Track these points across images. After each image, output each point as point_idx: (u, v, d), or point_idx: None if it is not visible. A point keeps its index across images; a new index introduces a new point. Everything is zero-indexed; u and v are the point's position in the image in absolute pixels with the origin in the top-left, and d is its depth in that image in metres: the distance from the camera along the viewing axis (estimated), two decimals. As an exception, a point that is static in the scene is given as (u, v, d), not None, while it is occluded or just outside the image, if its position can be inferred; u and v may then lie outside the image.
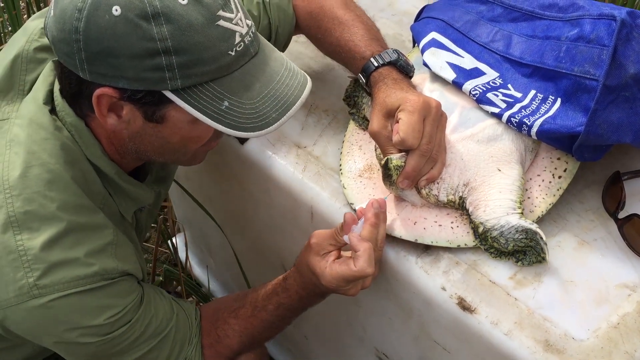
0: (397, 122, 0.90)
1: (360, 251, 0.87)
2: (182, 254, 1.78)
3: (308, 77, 0.91)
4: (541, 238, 0.85)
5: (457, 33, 1.05)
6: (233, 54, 0.82)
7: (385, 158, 0.90)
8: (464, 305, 0.86)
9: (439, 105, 0.90)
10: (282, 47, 1.14)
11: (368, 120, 1.06)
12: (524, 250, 0.88)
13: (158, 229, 1.63)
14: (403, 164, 0.90)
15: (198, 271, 1.78)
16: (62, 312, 0.85)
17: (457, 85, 0.98)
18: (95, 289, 0.86)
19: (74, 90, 0.86)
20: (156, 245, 1.66)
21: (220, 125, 0.83)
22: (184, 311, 1.02)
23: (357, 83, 1.09)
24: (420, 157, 0.89)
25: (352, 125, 1.10)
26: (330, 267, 0.90)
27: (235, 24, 0.82)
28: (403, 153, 0.91)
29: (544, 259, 0.86)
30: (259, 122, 0.85)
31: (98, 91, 0.82)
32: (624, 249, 0.89)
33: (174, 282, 1.59)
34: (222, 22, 0.81)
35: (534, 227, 0.86)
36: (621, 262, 0.88)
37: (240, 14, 0.84)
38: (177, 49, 0.78)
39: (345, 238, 0.90)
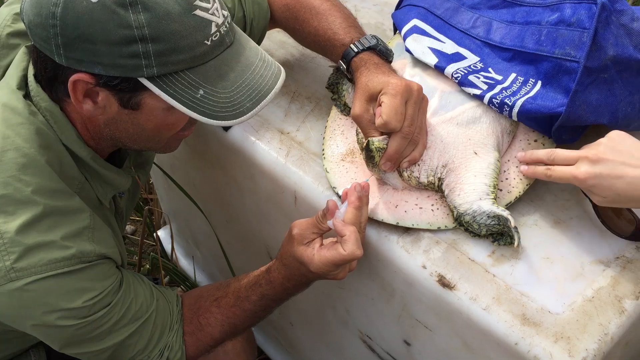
0: (380, 105, 0.91)
1: (347, 234, 0.88)
2: (167, 246, 1.79)
3: (282, 68, 0.93)
4: (511, 225, 0.87)
5: (438, 20, 1.07)
6: (209, 43, 0.84)
7: (367, 140, 0.92)
8: (443, 282, 0.88)
9: (420, 88, 0.92)
10: (257, 41, 1.16)
11: (349, 107, 1.09)
12: (501, 232, 0.90)
13: (143, 221, 1.64)
14: (385, 146, 0.92)
15: (184, 263, 1.79)
16: (39, 295, 0.85)
17: (439, 69, 1.00)
18: (72, 271, 0.87)
19: (50, 75, 0.87)
20: (142, 237, 1.67)
21: (195, 113, 0.85)
22: (164, 297, 1.03)
23: (339, 71, 1.10)
24: (403, 140, 0.91)
25: (334, 111, 1.12)
26: (318, 254, 0.91)
27: (211, 14, 0.84)
28: (385, 136, 0.93)
29: (511, 244, 0.88)
30: (233, 111, 0.86)
31: (74, 77, 0.83)
32: (599, 227, 0.91)
33: (163, 272, 1.60)
34: (198, 12, 0.82)
35: (505, 213, 0.87)
36: (596, 239, 0.90)
37: (217, 5, 0.85)
38: (154, 36, 0.80)
39: (330, 223, 0.92)
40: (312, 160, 1.07)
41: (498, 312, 0.83)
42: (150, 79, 0.83)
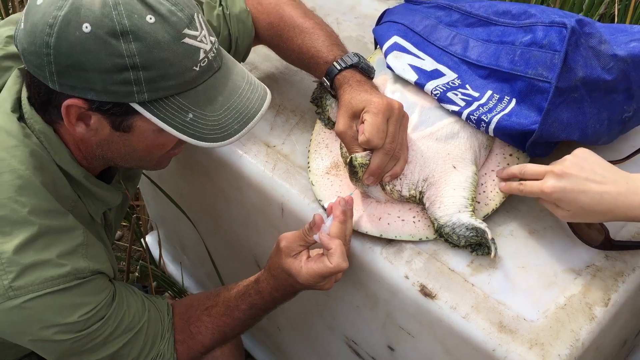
0: (362, 123, 0.96)
1: (333, 248, 0.92)
2: (155, 252, 1.82)
3: (268, 90, 0.96)
4: (488, 237, 0.91)
5: (418, 37, 1.12)
6: (197, 69, 0.87)
7: (350, 156, 0.96)
8: (425, 292, 0.93)
9: (401, 106, 0.96)
10: (242, 58, 1.19)
11: (333, 121, 1.12)
12: (479, 243, 0.95)
13: (131, 227, 1.66)
14: (367, 162, 0.96)
15: (172, 268, 1.82)
16: (37, 312, 0.89)
17: (419, 86, 1.04)
18: (68, 288, 0.90)
19: (43, 99, 0.89)
20: (130, 244, 1.69)
21: (185, 136, 0.88)
22: (155, 307, 1.06)
23: (323, 86, 1.14)
24: (384, 156, 0.95)
25: (318, 125, 1.15)
26: (305, 266, 0.95)
27: (199, 41, 0.87)
28: (368, 152, 0.97)
29: (488, 254, 0.93)
30: (221, 133, 0.90)
31: (67, 102, 0.85)
32: (571, 236, 0.96)
33: (150, 278, 1.63)
34: (187, 40, 0.85)
35: (483, 226, 0.92)
36: (568, 248, 0.95)
37: (205, 32, 0.88)
38: (145, 64, 0.83)
39: (316, 237, 0.96)
40: (298, 173, 1.10)
41: (477, 320, 0.88)
42: (142, 104, 0.86)
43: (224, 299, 1.07)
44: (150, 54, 0.82)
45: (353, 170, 0.96)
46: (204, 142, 0.89)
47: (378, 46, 1.21)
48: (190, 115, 0.88)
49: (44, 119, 0.93)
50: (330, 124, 1.14)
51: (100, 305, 0.94)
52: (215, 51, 0.90)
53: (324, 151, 1.11)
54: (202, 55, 0.87)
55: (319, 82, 1.15)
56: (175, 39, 0.84)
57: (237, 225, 1.30)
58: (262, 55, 1.32)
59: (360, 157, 0.96)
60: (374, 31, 1.21)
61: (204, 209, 1.40)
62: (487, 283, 0.92)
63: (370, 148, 0.96)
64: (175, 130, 0.88)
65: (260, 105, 0.93)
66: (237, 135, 0.91)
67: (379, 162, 0.95)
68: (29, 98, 0.93)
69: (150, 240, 1.88)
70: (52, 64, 0.83)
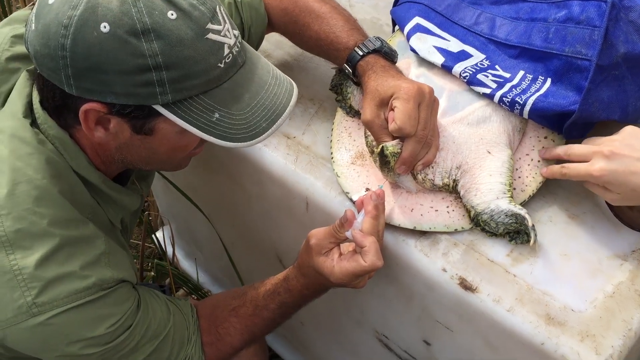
0: (392, 110, 0.91)
1: (367, 246, 0.88)
2: (168, 248, 1.78)
3: (294, 84, 0.92)
4: (529, 223, 0.87)
5: (440, 17, 1.07)
6: (222, 66, 0.83)
7: (380, 146, 0.92)
8: (465, 285, 0.89)
9: (432, 91, 0.92)
10: (255, 47, 1.14)
11: (355, 109, 1.08)
12: (517, 230, 0.91)
13: (144, 227, 1.62)
14: (399, 150, 0.91)
15: (186, 265, 1.78)
16: (62, 327, 0.85)
17: (446, 68, 0.99)
18: (93, 300, 0.86)
19: (58, 103, 0.85)
20: (143, 241, 1.65)
21: (211, 137, 0.84)
22: (180, 311, 1.03)
23: (342, 72, 1.09)
24: (417, 143, 0.91)
25: (339, 114, 1.11)
26: (338, 265, 0.91)
27: (223, 36, 0.83)
28: (398, 140, 0.93)
29: (527, 242, 0.89)
30: (249, 132, 0.86)
31: (85, 106, 0.81)
32: (612, 220, 0.92)
33: (166, 277, 1.59)
34: (211, 35, 0.81)
35: (523, 212, 0.88)
36: (610, 232, 0.91)
37: (228, 25, 0.84)
38: (168, 64, 0.78)
39: (348, 234, 0.92)
40: (322, 165, 1.06)
41: (522, 312, 0.85)
42: (165, 105, 0.81)
43: (252, 298, 1.03)
44: (173, 53, 0.78)
45: (385, 160, 0.92)
46: (231, 143, 0.85)
47: (397, 28, 1.16)
48: (216, 115, 0.83)
49: (58, 123, 0.88)
50: (352, 112, 1.09)
51: (126, 314, 0.90)
52: (239, 45, 0.86)
53: (347, 141, 1.07)
54: (226, 50, 0.83)
55: (338, 69, 1.10)
56: (199, 35, 0.79)
57: (257, 220, 1.26)
58: (273, 42, 1.27)
59: (391, 145, 0.91)
60: (392, 12, 1.16)
61: (220, 204, 1.36)
62: (529, 273, 0.88)
63: (401, 136, 0.91)
64: (200, 132, 0.83)
65: (288, 100, 0.89)
66: (266, 134, 0.87)
67: (411, 150, 0.91)
68: (41, 102, 0.88)
69: (162, 236, 1.84)
70: (69, 67, 0.78)
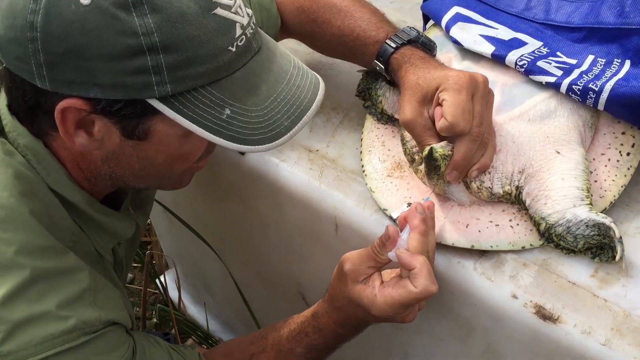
0: (440, 104, 0.75)
1: (417, 267, 0.72)
2: (173, 293, 1.60)
3: (319, 77, 0.77)
4: (615, 234, 0.71)
5: (483, 5, 0.93)
6: (234, 49, 0.68)
7: (429, 147, 0.76)
8: (543, 314, 0.71)
9: (486, 80, 0.76)
10: None
11: (388, 114, 0.93)
12: (600, 245, 0.74)
13: (145, 268, 1.45)
14: (450, 152, 0.75)
15: (193, 310, 1.60)
16: None
17: (497, 58, 0.84)
18: (75, 347, 0.68)
19: (30, 104, 0.69)
20: (144, 286, 1.48)
21: (222, 139, 0.68)
22: None
23: (370, 75, 0.95)
24: (472, 143, 0.75)
25: (369, 121, 0.96)
26: (381, 294, 0.74)
27: (234, 13, 0.68)
28: (446, 141, 0.77)
29: (614, 258, 0.72)
30: (268, 132, 0.70)
31: (62, 103, 0.66)
32: None
33: (171, 324, 1.41)
34: (219, 11, 0.66)
35: (608, 221, 0.72)
36: None
37: (239, 1, 0.70)
38: (166, 45, 0.63)
39: (391, 255, 0.75)
40: (352, 180, 0.90)
41: (622, 346, 0.67)
42: (163, 99, 0.66)
43: (274, 342, 0.85)
44: (172, 31, 0.63)
45: (434, 165, 0.76)
46: (246, 146, 0.69)
47: (429, 25, 1.01)
48: (227, 111, 0.68)
49: (30, 131, 0.72)
50: (384, 118, 0.94)
51: None
52: (253, 27, 0.71)
53: (380, 150, 0.91)
54: (238, 31, 0.68)
55: (365, 72, 0.96)
56: (205, 10, 0.65)
57: (274, 251, 1.09)
58: (288, 50, 1.12)
59: (440, 147, 0.75)
60: (423, 7, 1.02)
61: (231, 236, 1.19)
62: (623, 297, 0.71)
63: (452, 135, 0.75)
64: (208, 132, 0.68)
65: (314, 95, 0.73)
66: (289, 134, 0.70)
67: (465, 151, 0.75)
68: (9, 106, 0.73)
69: (167, 280, 1.67)
70: (40, 52, 0.63)
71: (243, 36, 0.69)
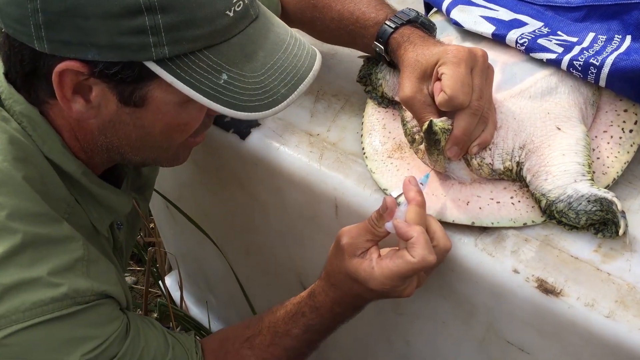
0: (439, 79, 0.75)
1: (415, 237, 0.71)
2: (175, 294, 1.59)
3: (316, 49, 0.77)
4: (618, 208, 0.69)
5: (483, -12, 0.92)
6: (231, 14, 0.68)
7: (428, 121, 0.75)
8: (545, 288, 0.70)
9: (485, 54, 0.76)
10: None
11: (388, 97, 0.93)
12: (603, 221, 0.72)
13: (147, 267, 1.44)
14: (450, 126, 0.74)
15: (196, 311, 1.58)
16: (24, 349, 0.66)
17: (498, 38, 0.84)
18: (65, 316, 0.67)
19: (27, 69, 0.70)
20: (146, 286, 1.46)
21: (218, 105, 0.69)
22: (180, 344, 0.83)
23: (371, 62, 0.95)
24: (472, 117, 0.74)
25: (370, 106, 0.95)
26: (379, 267, 0.73)
27: None
28: (445, 117, 0.76)
29: (617, 233, 0.70)
30: (265, 98, 0.70)
31: (60, 66, 0.66)
32: None
33: (172, 318, 1.40)
34: None
35: (609, 195, 0.70)
36: None
37: None
38: (164, 5, 0.64)
39: (388, 226, 0.74)
40: (352, 161, 0.89)
41: (627, 318, 0.65)
42: (160, 62, 0.66)
43: (269, 324, 0.84)
44: None
45: (434, 139, 0.75)
46: (243, 112, 0.69)
47: (431, 12, 1.01)
48: (225, 77, 0.68)
49: (27, 99, 0.72)
50: (385, 101, 0.93)
51: (110, 339, 0.71)
52: None
53: (381, 133, 0.90)
54: None
55: (366, 57, 0.96)
56: None
57: (275, 239, 1.08)
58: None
59: (439, 121, 0.75)
60: (424, -5, 1.02)
61: (232, 227, 1.18)
62: (627, 270, 0.69)
63: (451, 110, 0.75)
64: (205, 97, 0.68)
65: (310, 64, 0.74)
66: (285, 102, 0.71)
67: (465, 126, 0.74)
68: (6, 74, 0.73)
69: (170, 282, 1.66)
70: (39, 12, 0.63)
71: (240, 2, 0.69)
